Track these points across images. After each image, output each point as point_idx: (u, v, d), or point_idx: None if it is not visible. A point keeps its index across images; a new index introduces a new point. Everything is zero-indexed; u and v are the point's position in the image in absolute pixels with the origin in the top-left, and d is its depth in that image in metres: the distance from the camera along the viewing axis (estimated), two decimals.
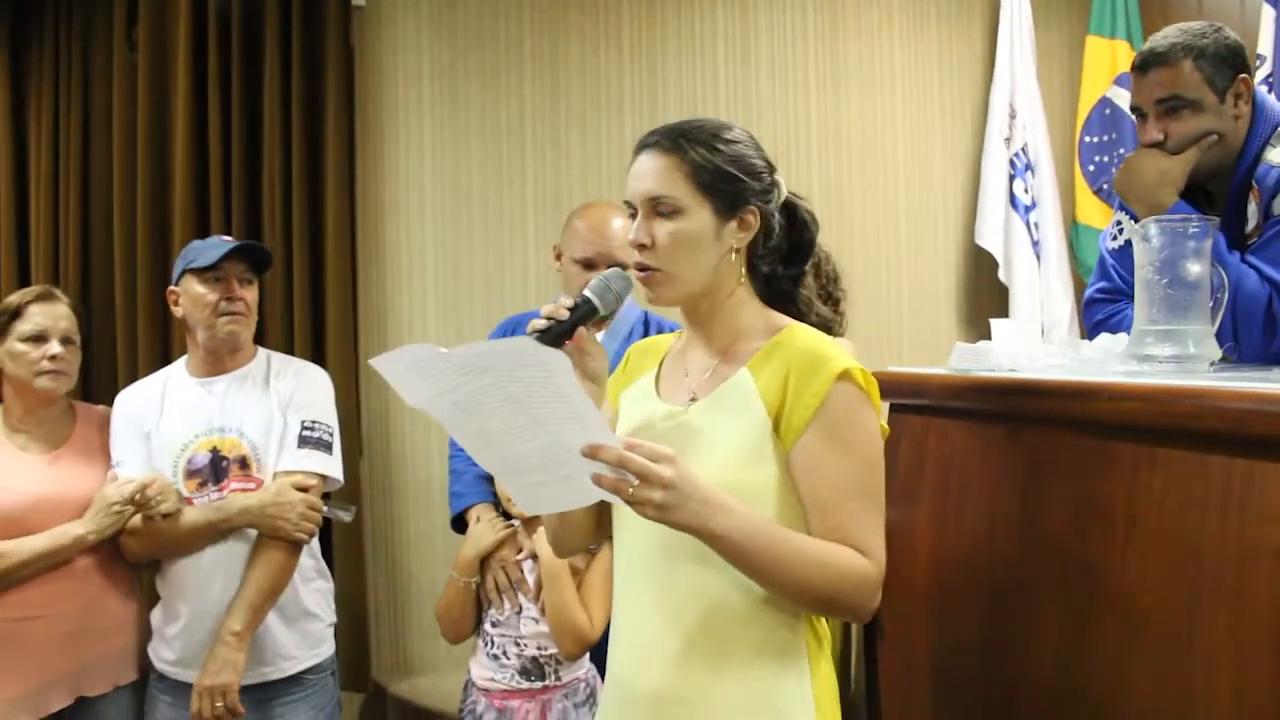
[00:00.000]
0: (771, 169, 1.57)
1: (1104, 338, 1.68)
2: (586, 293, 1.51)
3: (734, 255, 1.53)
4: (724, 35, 3.86)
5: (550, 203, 3.66)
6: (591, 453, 1.29)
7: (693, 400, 1.53)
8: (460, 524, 2.59)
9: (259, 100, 3.46)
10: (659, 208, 1.50)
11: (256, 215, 3.45)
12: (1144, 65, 2.02)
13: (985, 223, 3.95)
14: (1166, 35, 2.01)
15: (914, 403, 1.86)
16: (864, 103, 3.99)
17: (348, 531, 3.39)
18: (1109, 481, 1.41)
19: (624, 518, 1.57)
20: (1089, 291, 2.26)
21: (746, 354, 1.52)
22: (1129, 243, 2.15)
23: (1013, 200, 3.92)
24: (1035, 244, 3.91)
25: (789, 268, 1.60)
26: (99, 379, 3.42)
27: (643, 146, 1.55)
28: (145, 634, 2.47)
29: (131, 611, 2.47)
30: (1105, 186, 3.92)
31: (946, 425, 1.78)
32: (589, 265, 2.53)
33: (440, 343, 3.47)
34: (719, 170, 1.50)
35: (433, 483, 3.56)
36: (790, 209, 1.59)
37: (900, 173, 4.02)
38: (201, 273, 2.38)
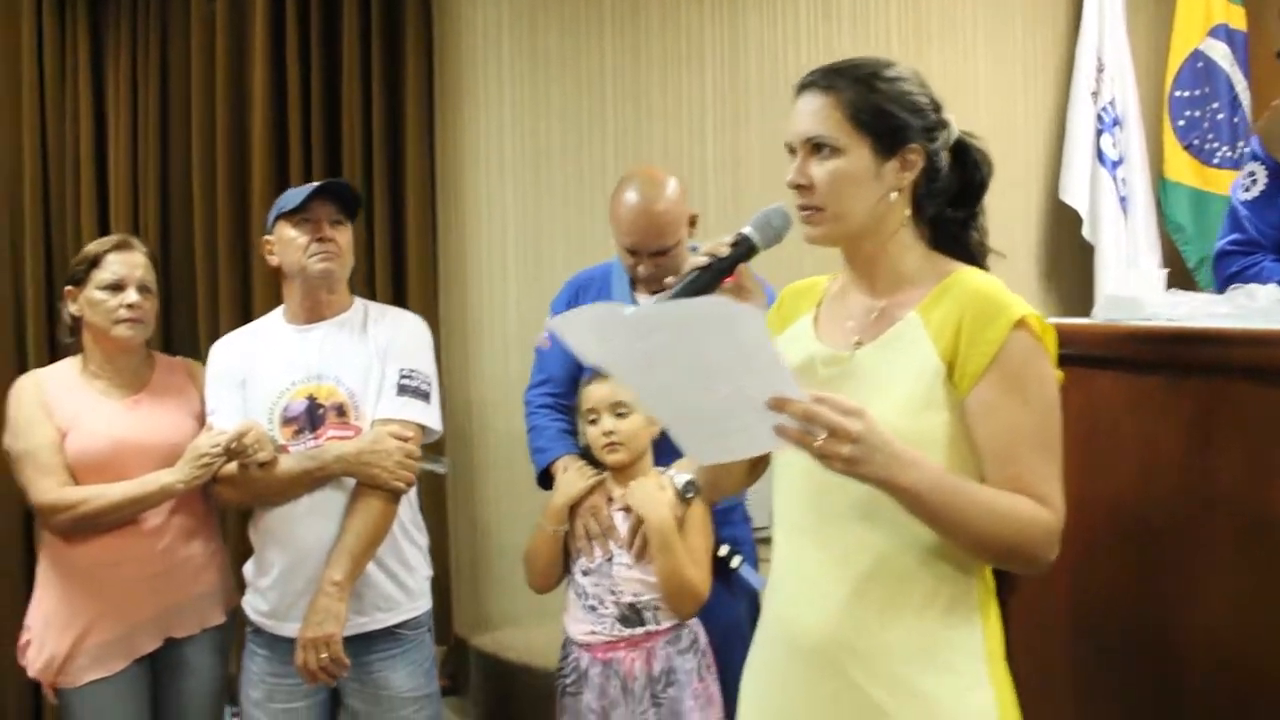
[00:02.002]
0: (938, 107, 1.52)
1: (1272, 288, 1.63)
2: (746, 230, 1.50)
3: (896, 195, 1.49)
4: None
5: (630, 156, 3.61)
6: (778, 405, 1.25)
7: (857, 344, 1.50)
8: (546, 480, 2.56)
9: (338, 52, 3.42)
10: (817, 148, 1.47)
11: (335, 168, 3.43)
12: None
13: (1070, 178, 3.88)
14: None
15: (1061, 353, 1.82)
16: (945, 56, 3.92)
17: (429, 484, 3.38)
18: None
19: (785, 465, 1.54)
20: (1220, 244, 2.21)
21: (914, 298, 1.48)
22: (1264, 193, 2.10)
23: (1099, 156, 3.85)
24: (1122, 200, 3.85)
25: (958, 209, 1.55)
26: (178, 330, 3.42)
27: (802, 87, 1.52)
28: (230, 577, 2.48)
29: (216, 554, 2.49)
30: (1195, 142, 3.85)
31: (1093, 376, 1.74)
32: (633, 253, 2.49)
33: (520, 295, 3.47)
34: (877, 108, 1.46)
35: (513, 435, 3.53)
36: (961, 148, 1.55)
37: (981, 127, 3.80)
38: (292, 216, 2.35)
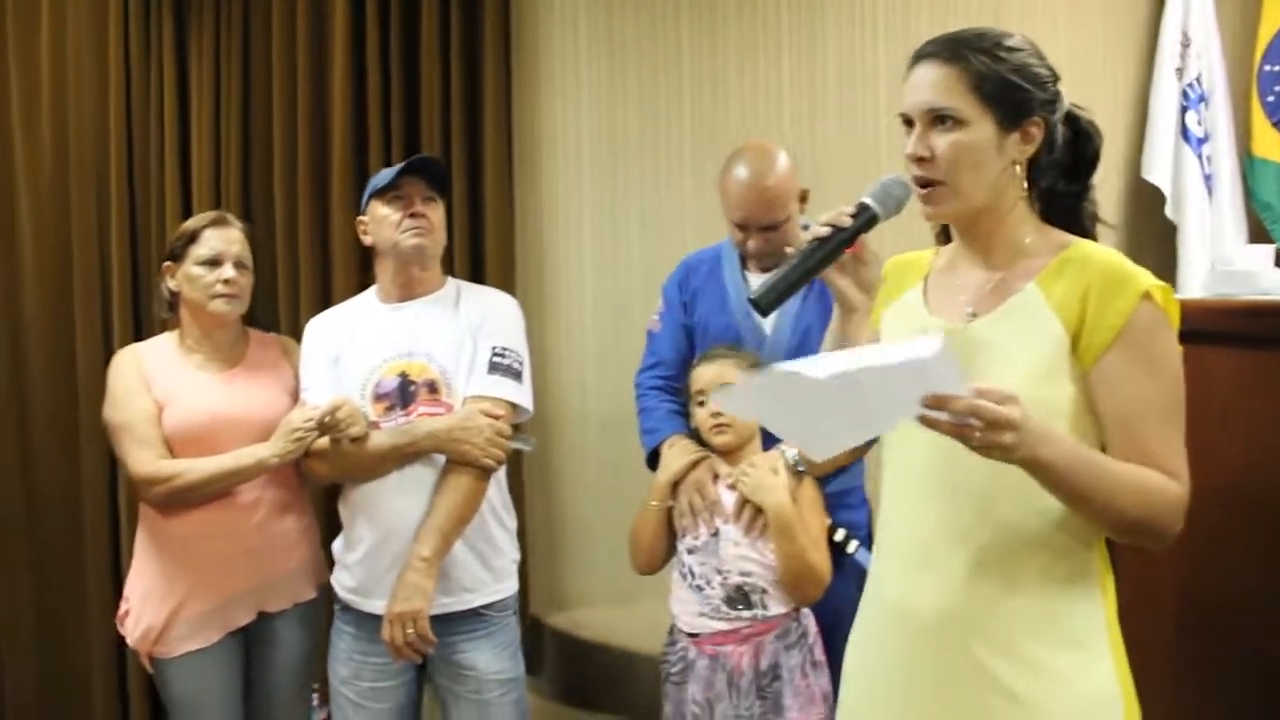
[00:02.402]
0: (1055, 78, 1.50)
1: None
2: (867, 199, 1.49)
3: (1016, 169, 1.48)
4: None
5: (707, 140, 3.58)
6: (938, 404, 1.23)
7: (973, 316, 1.49)
8: (656, 461, 2.53)
9: (417, 35, 3.45)
10: (938, 119, 1.45)
11: (415, 148, 3.45)
12: None
13: (1153, 156, 3.78)
14: None
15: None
16: (1024, 31, 3.83)
17: (506, 464, 3.40)
18: None
19: (899, 438, 1.53)
20: None
21: (1033, 270, 1.47)
22: None
23: (1184, 133, 3.75)
24: (1207, 178, 3.75)
25: (1071, 182, 1.54)
26: (260, 308, 3.44)
27: (920, 57, 1.50)
28: (321, 553, 2.51)
29: (308, 529, 2.53)
30: None
31: (1203, 353, 1.70)
32: (742, 228, 2.47)
33: (594, 279, 3.45)
34: (1002, 80, 1.45)
35: (588, 416, 3.56)
36: (1072, 120, 1.53)
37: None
38: (384, 195, 2.37)
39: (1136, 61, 3.93)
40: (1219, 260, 3.26)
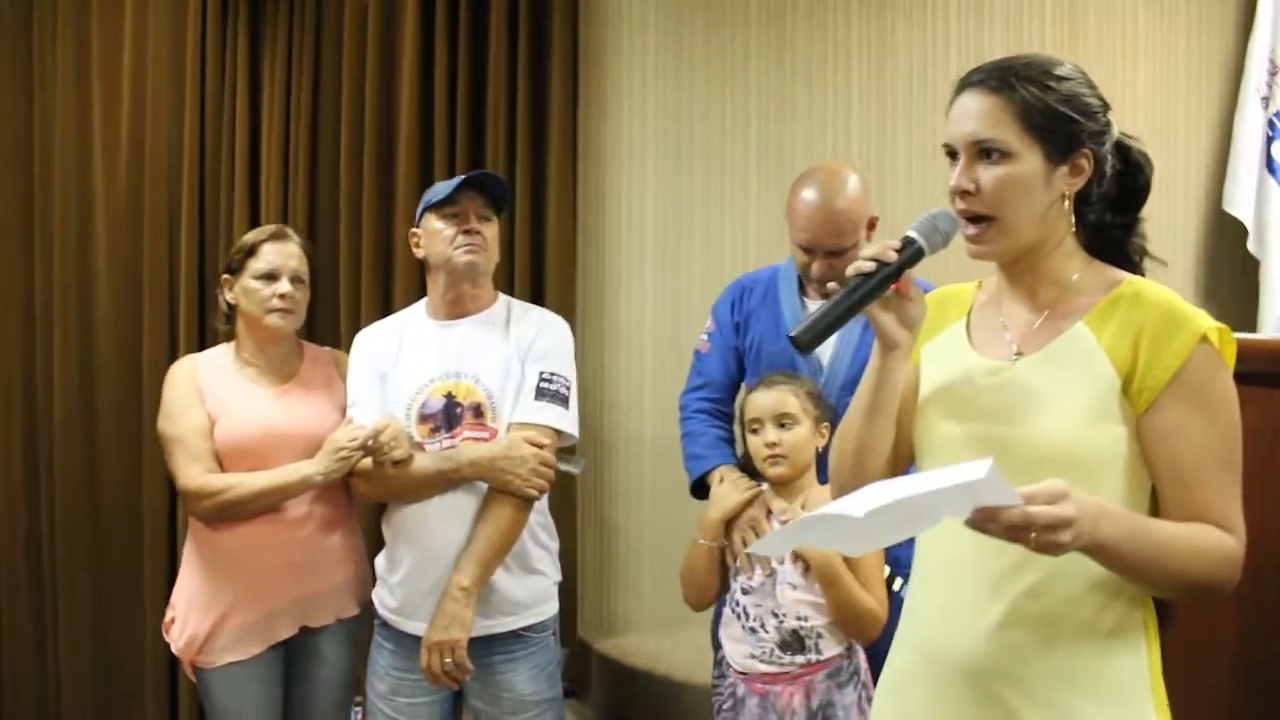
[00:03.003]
0: (1106, 108, 1.44)
1: None
2: (912, 233, 1.42)
3: (1065, 202, 1.42)
4: None
5: (773, 158, 3.56)
6: (987, 518, 1.16)
7: (1018, 355, 1.43)
8: (700, 489, 2.48)
9: (485, 45, 3.47)
10: (985, 151, 1.40)
11: (479, 162, 3.47)
12: None
13: (1236, 188, 3.67)
14: None
15: (1272, 371, 1.70)
16: (1103, 55, 3.75)
17: (559, 486, 3.36)
18: None
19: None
20: None
21: (1082, 307, 1.41)
22: None
23: (1269, 164, 3.64)
24: None
25: (1120, 215, 1.47)
26: (322, 321, 3.49)
27: (965, 85, 1.44)
28: (365, 570, 2.50)
29: (353, 547, 2.51)
30: None
31: (1273, 395, 1.63)
32: (807, 251, 2.40)
33: (656, 297, 3.41)
34: (1051, 111, 1.39)
35: (645, 440, 3.53)
36: (1122, 150, 1.47)
37: (1139, 132, 3.62)
38: (439, 208, 2.34)
39: (1221, 88, 3.83)
40: None
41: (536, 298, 3.43)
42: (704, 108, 3.58)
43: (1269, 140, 3.65)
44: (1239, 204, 3.67)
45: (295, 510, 2.39)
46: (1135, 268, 1.48)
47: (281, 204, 3.55)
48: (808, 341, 1.39)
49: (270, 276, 2.42)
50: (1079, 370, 1.36)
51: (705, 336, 2.61)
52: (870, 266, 1.38)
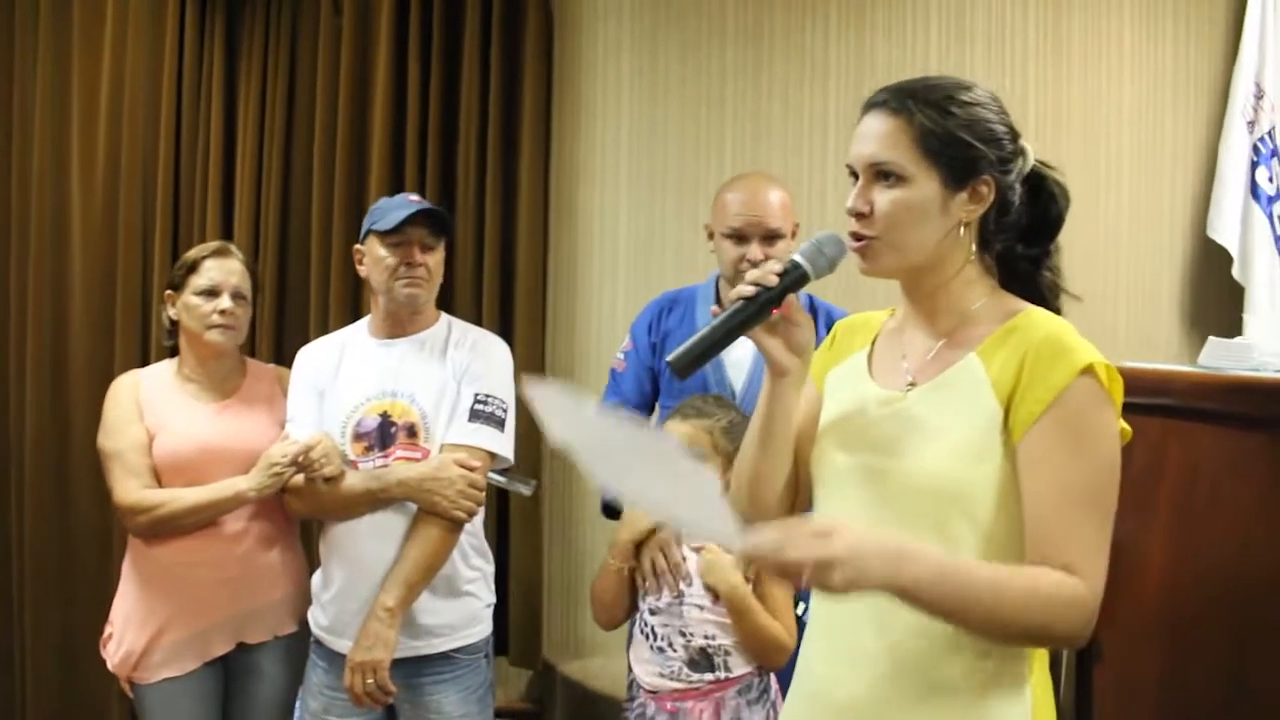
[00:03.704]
0: (1015, 135, 1.40)
1: None
2: (796, 257, 1.38)
3: (963, 230, 1.38)
4: (938, 6, 3.63)
5: (737, 174, 3.51)
6: (749, 558, 1.16)
7: (911, 385, 1.39)
8: (611, 511, 2.47)
9: (458, 65, 3.47)
10: (882, 174, 1.36)
11: (451, 180, 3.46)
12: None
13: (1220, 214, 3.59)
14: None
15: (1153, 402, 1.65)
16: (1087, 79, 3.69)
17: (526, 506, 3.36)
18: None
19: (825, 502, 1.44)
20: None
21: (976, 338, 1.37)
22: None
23: (1254, 190, 3.56)
24: (1278, 239, 3.55)
25: (1030, 246, 1.44)
26: (291, 337, 3.50)
27: (869, 106, 1.41)
28: (304, 587, 2.48)
29: (292, 564, 2.51)
30: None
31: (1193, 430, 1.58)
32: (740, 238, 2.39)
33: (628, 315, 3.38)
34: (949, 136, 1.35)
35: None
36: (1038, 179, 1.42)
37: (1124, 156, 3.71)
38: (384, 235, 2.33)
39: (1207, 112, 3.76)
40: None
41: (506, 316, 3.42)
42: (679, 127, 3.55)
43: (1254, 165, 3.58)
44: (1224, 230, 3.59)
45: (233, 526, 2.39)
46: (1046, 302, 1.43)
47: (254, 216, 3.56)
48: (683, 367, 1.35)
49: (211, 293, 2.42)
50: (965, 402, 1.32)
51: (622, 355, 2.60)
52: (751, 290, 1.35)
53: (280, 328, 3.53)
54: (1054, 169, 1.46)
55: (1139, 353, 3.61)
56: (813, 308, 2.49)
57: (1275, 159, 3.58)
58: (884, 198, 1.36)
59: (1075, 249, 3.82)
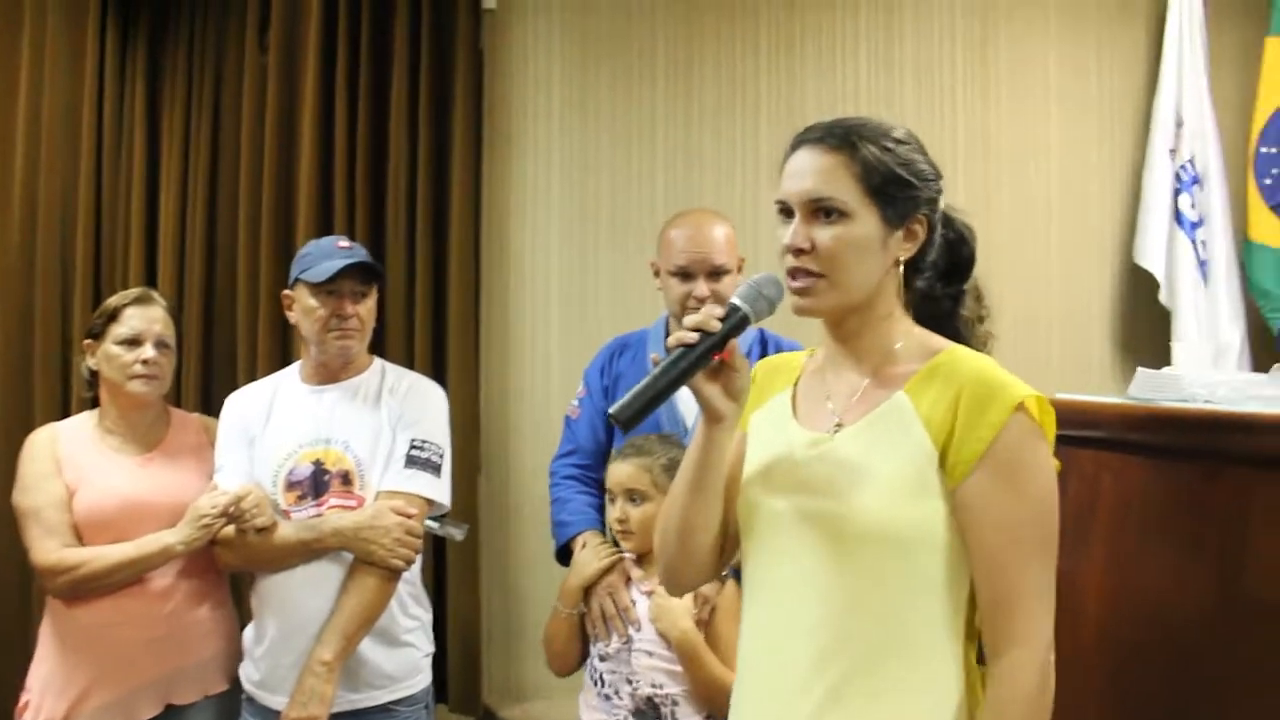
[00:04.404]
0: (939, 175, 1.40)
1: None
2: (736, 300, 1.36)
3: (898, 269, 1.38)
4: (866, 37, 3.67)
5: (681, 209, 3.49)
6: None
7: (838, 426, 1.37)
8: (565, 555, 2.44)
9: (387, 103, 3.41)
10: (823, 210, 1.35)
11: (380, 220, 3.40)
12: None
13: (1146, 240, 3.65)
14: None
15: (1086, 435, 1.65)
16: (1014, 110, 3.75)
17: (463, 550, 3.29)
18: None
19: (755, 548, 1.42)
20: None
21: (901, 376, 1.36)
22: None
23: (1178, 216, 3.63)
24: (1202, 264, 3.61)
25: (948, 285, 1.45)
26: (219, 384, 3.39)
27: (803, 142, 1.40)
28: (235, 644, 2.40)
29: (222, 620, 2.42)
30: None
31: (1126, 462, 1.58)
32: (686, 275, 2.38)
33: (563, 354, 3.36)
34: (891, 174, 1.36)
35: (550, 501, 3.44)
36: (947, 221, 1.43)
37: (1052, 185, 3.77)
38: (314, 285, 2.28)
39: (1132, 143, 3.82)
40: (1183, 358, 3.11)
41: (438, 359, 3.36)
42: (610, 161, 3.54)
43: (1176, 192, 3.64)
44: (1150, 256, 3.65)
45: (160, 582, 2.29)
46: (961, 339, 1.44)
47: (179, 257, 3.46)
48: (627, 419, 1.30)
49: (133, 342, 2.34)
50: (897, 441, 1.31)
51: (576, 402, 2.58)
52: (693, 337, 1.31)
53: (207, 375, 3.43)
54: (959, 210, 1.48)
55: (1072, 379, 3.65)
56: (763, 339, 2.49)
57: (1196, 186, 3.65)
58: (825, 234, 1.35)
59: (1005, 277, 3.87)
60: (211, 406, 3.00)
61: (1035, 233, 3.75)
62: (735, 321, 1.34)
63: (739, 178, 3.58)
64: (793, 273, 1.37)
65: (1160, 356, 3.68)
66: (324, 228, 3.35)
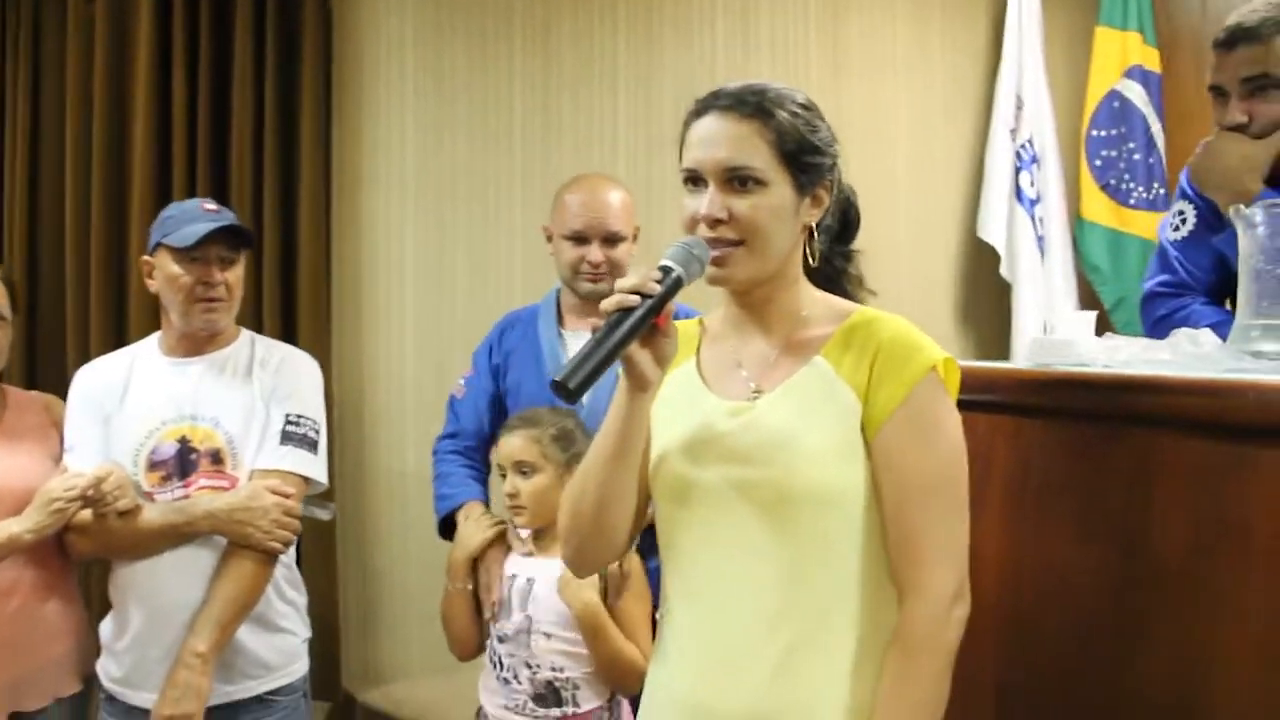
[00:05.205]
0: (835, 141, 1.41)
1: (1205, 333, 1.52)
2: (669, 262, 1.31)
3: (805, 234, 1.40)
4: (723, 12, 3.69)
5: (539, 177, 3.44)
6: None
7: (757, 393, 1.36)
8: (448, 529, 2.36)
9: (229, 61, 3.21)
10: (739, 179, 1.33)
11: (224, 187, 3.20)
12: (1230, 41, 1.87)
13: (988, 216, 3.82)
14: (1256, 9, 1.86)
15: (981, 399, 1.68)
16: (865, 88, 3.84)
17: (319, 531, 3.16)
18: (1244, 493, 1.25)
19: (678, 525, 1.39)
20: (1148, 285, 2.11)
21: (817, 340, 1.37)
22: (1194, 233, 2.02)
23: (1018, 193, 3.80)
24: (1039, 239, 3.80)
25: (839, 246, 1.50)
26: (46, 362, 3.16)
27: (710, 108, 1.37)
28: (88, 641, 2.23)
29: (72, 616, 2.23)
30: (1112, 182, 3.82)
31: (1021, 425, 1.61)
32: (581, 239, 2.35)
33: (418, 326, 3.26)
34: (803, 141, 1.35)
35: (407, 476, 3.34)
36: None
37: (901, 161, 3.88)
38: (177, 250, 2.13)
39: (975, 122, 3.97)
40: (1046, 325, 3.28)
41: (288, 332, 3.20)
42: (466, 125, 3.44)
43: (1017, 170, 3.81)
44: (991, 231, 3.82)
45: (3, 577, 2.08)
46: (852, 298, 1.48)
47: None
48: (577, 387, 1.22)
49: None
50: (822, 404, 1.32)
51: (462, 382, 2.51)
52: (634, 300, 1.26)
53: (32, 351, 3.18)
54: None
55: None
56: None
57: (1035, 165, 3.81)
58: (743, 204, 1.33)
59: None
60: (39, 383, 2.81)
61: (884, 207, 3.85)
62: (671, 283, 1.30)
63: (597, 145, 3.54)
64: (713, 241, 1.34)
65: (1001, 327, 3.85)
66: (161, 194, 3.14)
